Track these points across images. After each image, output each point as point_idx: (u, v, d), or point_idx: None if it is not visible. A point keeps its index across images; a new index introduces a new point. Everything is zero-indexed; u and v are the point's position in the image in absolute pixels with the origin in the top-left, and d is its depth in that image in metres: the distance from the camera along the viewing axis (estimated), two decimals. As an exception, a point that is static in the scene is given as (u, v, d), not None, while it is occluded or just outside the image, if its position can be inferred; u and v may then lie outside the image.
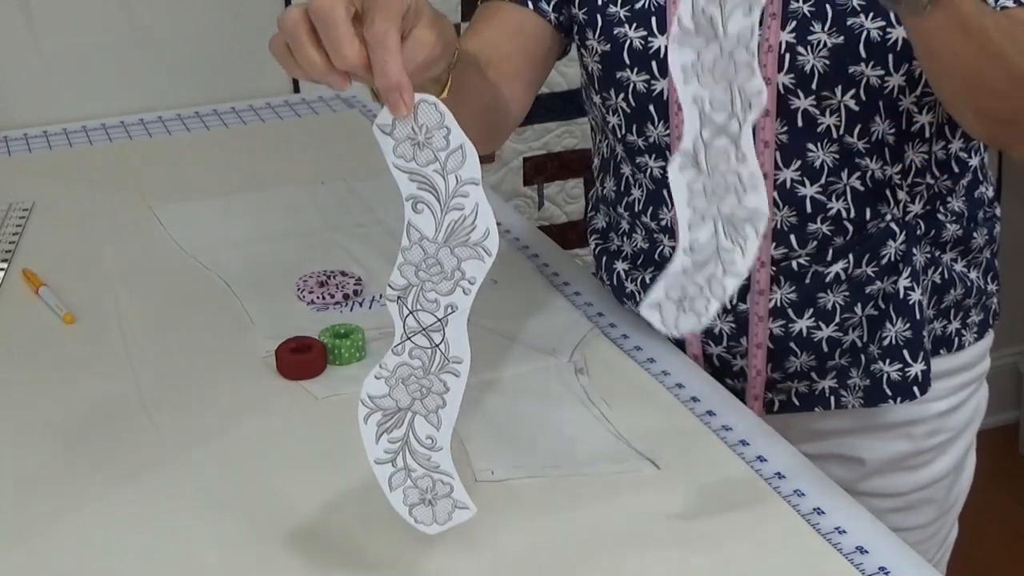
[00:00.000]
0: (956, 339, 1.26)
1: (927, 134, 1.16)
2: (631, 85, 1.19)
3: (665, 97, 1.17)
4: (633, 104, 1.20)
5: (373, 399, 0.88)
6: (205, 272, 1.41)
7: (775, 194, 1.16)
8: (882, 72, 1.11)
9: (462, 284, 0.85)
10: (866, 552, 0.95)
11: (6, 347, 1.27)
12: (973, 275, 1.25)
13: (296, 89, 2.03)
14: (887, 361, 1.20)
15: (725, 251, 0.90)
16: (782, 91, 1.12)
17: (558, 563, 0.95)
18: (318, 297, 1.33)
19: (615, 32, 1.18)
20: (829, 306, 1.19)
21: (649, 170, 1.21)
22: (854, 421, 1.27)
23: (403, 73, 0.82)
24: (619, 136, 1.22)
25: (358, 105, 1.96)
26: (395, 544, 0.97)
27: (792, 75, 1.12)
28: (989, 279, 1.27)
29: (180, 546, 0.98)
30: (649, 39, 1.17)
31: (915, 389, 1.20)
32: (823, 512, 1.00)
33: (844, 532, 0.97)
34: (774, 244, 1.18)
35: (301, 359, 1.19)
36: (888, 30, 1.09)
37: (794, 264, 1.18)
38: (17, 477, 1.07)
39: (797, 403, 1.25)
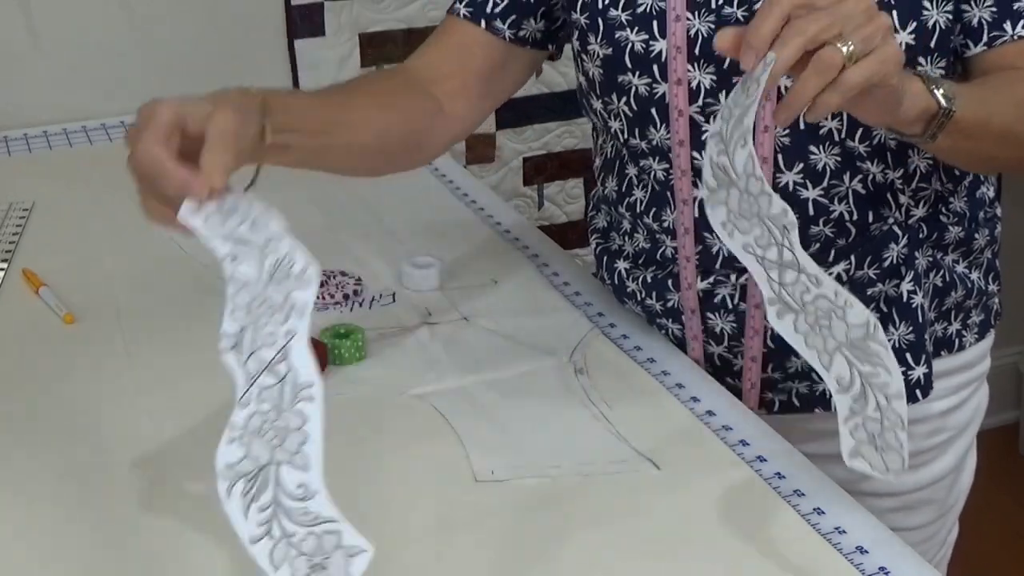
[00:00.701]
0: (957, 340, 1.26)
1: None
2: (633, 89, 1.19)
3: (667, 100, 1.17)
4: (635, 108, 1.19)
5: (232, 467, 0.82)
6: (205, 272, 1.41)
7: None
8: None
9: (295, 311, 0.83)
10: (866, 552, 0.95)
11: (6, 347, 1.27)
12: (974, 276, 1.24)
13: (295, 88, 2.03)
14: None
15: (872, 376, 0.91)
16: (784, 93, 1.12)
17: (558, 563, 0.95)
18: (318, 297, 1.33)
19: (616, 36, 1.18)
20: None
21: (653, 172, 1.21)
22: None
23: (185, 177, 0.92)
24: (622, 140, 1.22)
25: (358, 105, 1.96)
26: (395, 543, 0.97)
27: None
28: (990, 279, 1.27)
29: (180, 545, 0.98)
30: (650, 43, 1.16)
31: (917, 392, 1.20)
32: (823, 512, 0.99)
33: (844, 532, 0.97)
34: None
35: (301, 359, 1.19)
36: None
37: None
38: (17, 476, 1.07)
39: (797, 403, 1.25)
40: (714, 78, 1.14)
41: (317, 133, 1.13)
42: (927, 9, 1.08)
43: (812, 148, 1.14)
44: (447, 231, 1.33)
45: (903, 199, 1.17)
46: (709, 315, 1.21)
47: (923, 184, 1.17)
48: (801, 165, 1.14)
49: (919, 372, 1.19)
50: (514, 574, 0.95)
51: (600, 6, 1.19)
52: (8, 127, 1.87)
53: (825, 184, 1.15)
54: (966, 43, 1.11)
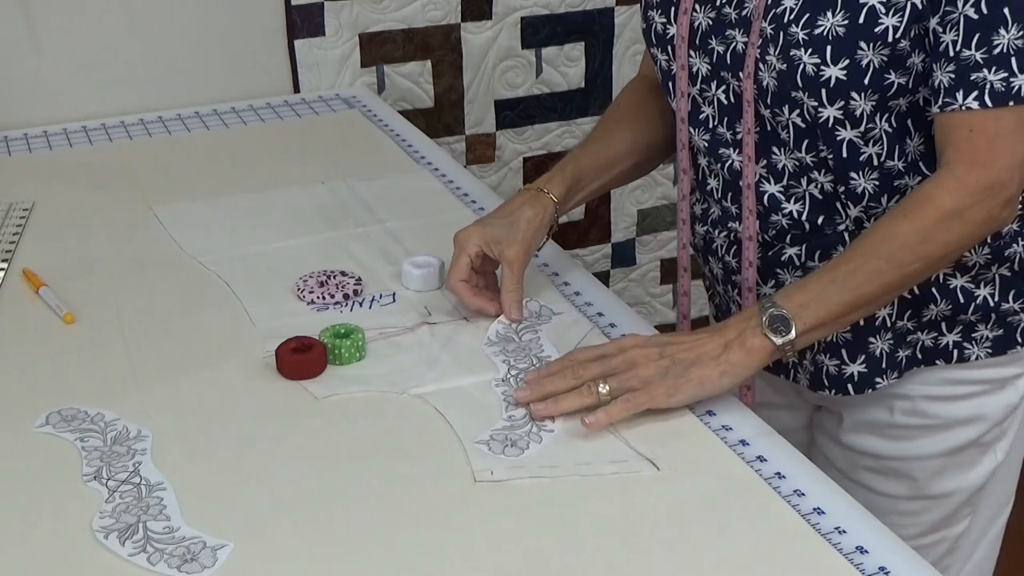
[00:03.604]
0: (956, 351, 1.25)
1: (875, 163, 1.18)
2: (658, 62, 1.30)
3: (677, 78, 1.27)
4: (660, 79, 1.31)
5: (105, 529, 0.99)
6: (205, 272, 1.42)
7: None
8: (816, 103, 1.16)
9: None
10: (866, 552, 0.95)
11: (6, 347, 1.27)
12: (981, 292, 1.23)
13: (296, 89, 2.03)
14: (828, 355, 1.27)
15: None
16: (755, 95, 1.20)
17: (558, 563, 0.95)
18: (318, 297, 1.33)
19: (649, 14, 1.30)
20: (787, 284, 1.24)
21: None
22: None
23: (479, 306, 1.28)
24: None
25: (358, 105, 1.96)
26: (395, 544, 0.97)
27: (756, 86, 1.19)
28: (1011, 297, 1.24)
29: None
30: (667, 26, 1.26)
31: (849, 386, 1.26)
32: (823, 512, 1.00)
33: (844, 532, 0.97)
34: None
35: (301, 359, 1.19)
36: (822, 68, 1.14)
37: (760, 238, 1.26)
38: (18, 476, 1.07)
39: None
40: (709, 67, 1.23)
41: (592, 190, 1.38)
42: (862, 49, 1.12)
43: (774, 149, 1.21)
44: (447, 231, 1.33)
45: (852, 211, 1.21)
46: (710, 257, 1.33)
47: (872, 204, 1.20)
48: (765, 162, 1.22)
49: (853, 369, 1.26)
50: (513, 574, 0.95)
51: None
52: (8, 127, 1.87)
53: (784, 183, 1.22)
54: (929, 101, 1.15)
